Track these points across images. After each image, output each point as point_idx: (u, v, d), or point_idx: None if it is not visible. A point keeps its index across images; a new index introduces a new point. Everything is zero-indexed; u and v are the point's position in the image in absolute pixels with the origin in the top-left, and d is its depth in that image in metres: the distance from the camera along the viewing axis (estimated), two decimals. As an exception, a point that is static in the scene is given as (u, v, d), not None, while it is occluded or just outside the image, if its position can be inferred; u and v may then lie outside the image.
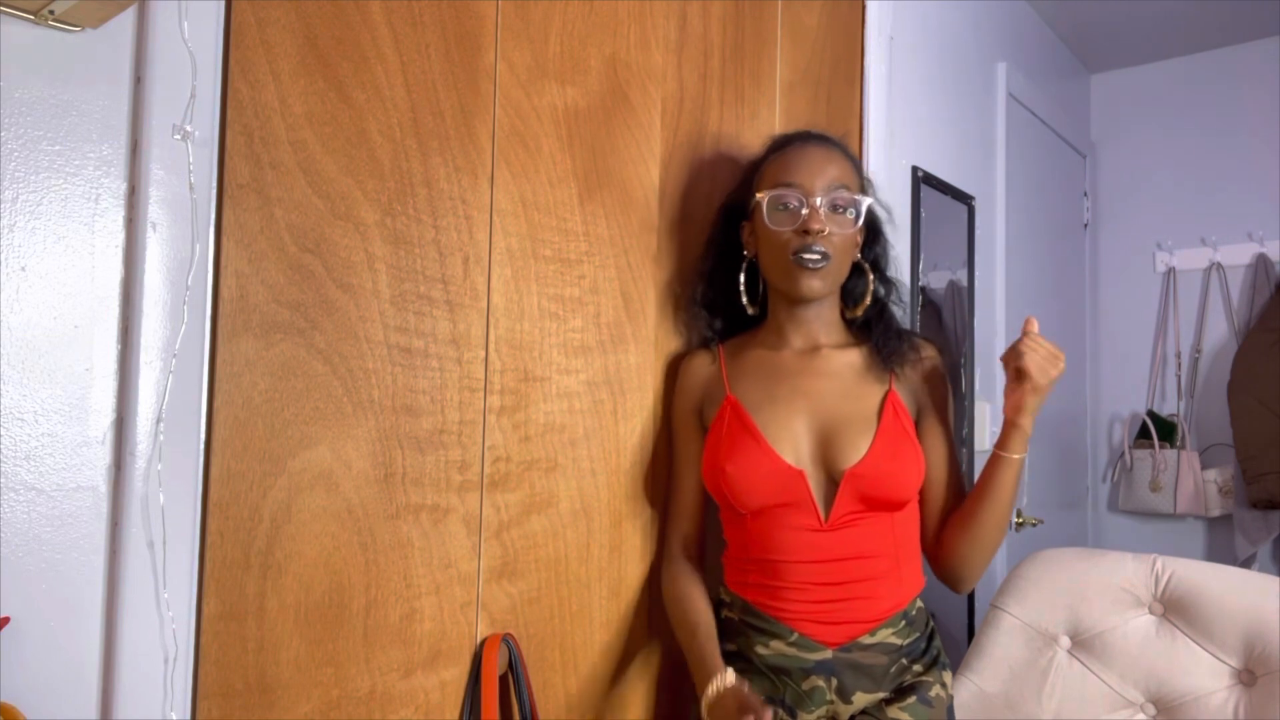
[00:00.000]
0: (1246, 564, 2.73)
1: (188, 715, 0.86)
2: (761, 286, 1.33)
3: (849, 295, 1.32)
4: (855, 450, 1.18)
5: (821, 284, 1.22)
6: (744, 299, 1.31)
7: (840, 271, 1.24)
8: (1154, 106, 3.15)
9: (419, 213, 1.06)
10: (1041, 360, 1.14)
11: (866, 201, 1.25)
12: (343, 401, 0.98)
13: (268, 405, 0.92)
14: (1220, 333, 2.97)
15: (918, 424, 1.27)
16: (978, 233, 2.34)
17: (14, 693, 0.76)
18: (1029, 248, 2.71)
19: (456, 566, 1.09)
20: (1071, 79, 3.14)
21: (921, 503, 1.28)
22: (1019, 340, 1.16)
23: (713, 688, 1.09)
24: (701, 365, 1.34)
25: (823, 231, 1.18)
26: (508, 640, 1.13)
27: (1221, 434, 2.87)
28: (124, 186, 0.84)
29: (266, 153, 0.92)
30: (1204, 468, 2.89)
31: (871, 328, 1.29)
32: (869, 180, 1.34)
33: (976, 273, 2.33)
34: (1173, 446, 2.92)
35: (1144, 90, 3.18)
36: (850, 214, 1.23)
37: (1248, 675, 1.43)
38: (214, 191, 0.88)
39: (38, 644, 0.78)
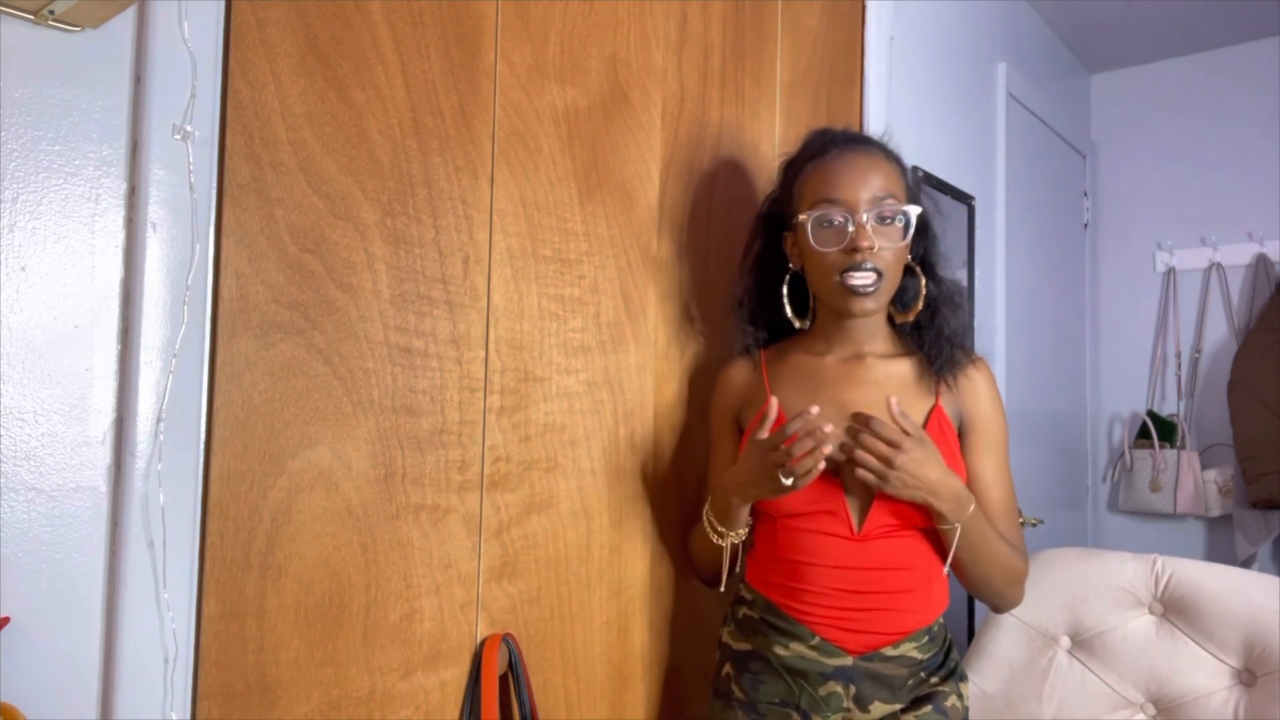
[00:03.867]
0: (1246, 564, 2.73)
1: (188, 715, 0.86)
2: (810, 294, 1.28)
3: (898, 298, 1.26)
4: None
5: (874, 304, 1.17)
6: (788, 311, 1.26)
7: (892, 285, 1.19)
8: (1154, 106, 3.15)
9: (419, 213, 1.06)
10: (881, 469, 1.08)
11: (916, 210, 1.19)
12: (343, 401, 0.98)
13: (268, 405, 0.92)
14: (1220, 333, 2.97)
15: (964, 441, 1.22)
16: (978, 233, 2.34)
17: (14, 693, 0.76)
18: (1029, 248, 2.71)
19: (456, 566, 1.09)
20: (1071, 79, 3.14)
21: None
22: (857, 441, 1.09)
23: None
24: (741, 371, 1.31)
25: (872, 248, 1.14)
26: (508, 640, 1.13)
27: (1221, 434, 2.87)
28: (124, 186, 0.84)
29: (266, 153, 0.92)
30: (1204, 468, 2.89)
31: (923, 333, 1.24)
32: (915, 173, 1.29)
33: (976, 273, 2.33)
34: (1173, 446, 2.92)
35: (1144, 90, 3.18)
36: (899, 223, 1.17)
37: (1248, 675, 1.43)
38: (214, 191, 0.88)
39: (38, 644, 0.78)
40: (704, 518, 1.24)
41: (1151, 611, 1.52)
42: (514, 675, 1.13)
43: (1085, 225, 3.18)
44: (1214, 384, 2.93)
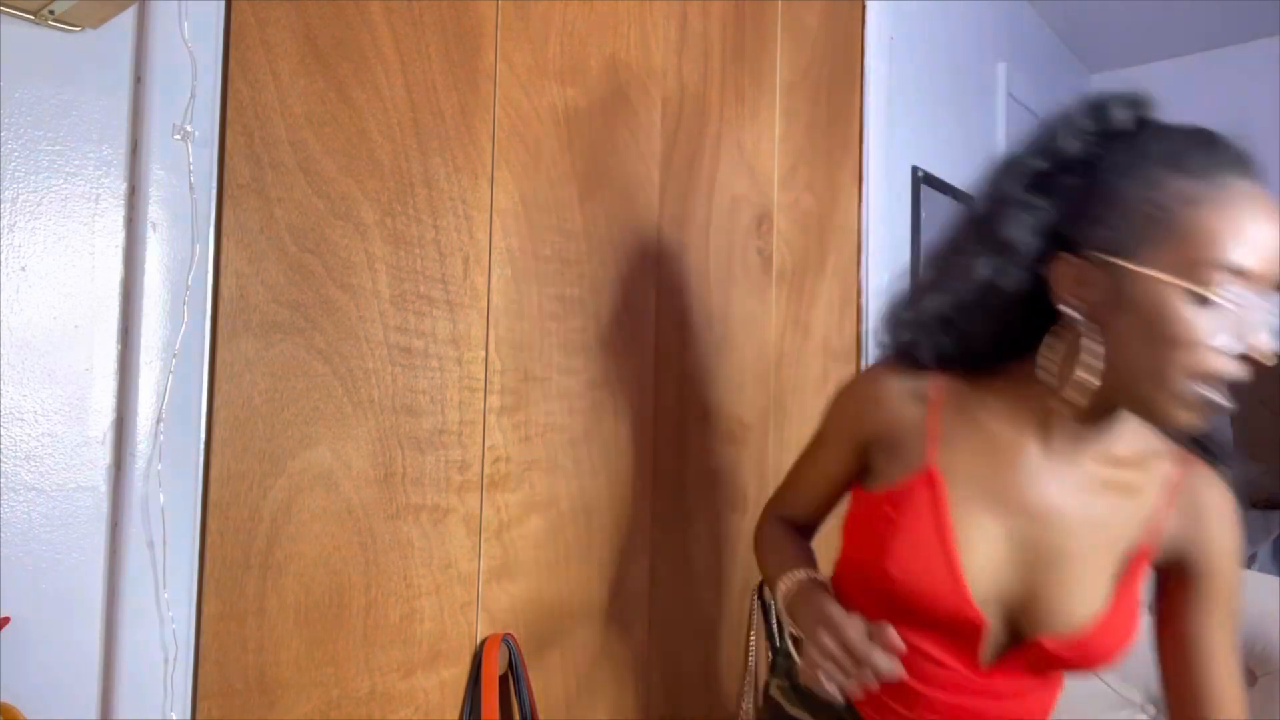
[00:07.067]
0: (1246, 564, 2.73)
1: (188, 715, 0.86)
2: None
3: None
4: (1065, 618, 0.85)
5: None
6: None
7: None
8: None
9: (419, 213, 1.06)
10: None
11: None
12: (343, 401, 0.98)
13: (268, 405, 0.92)
14: (1220, 333, 2.96)
15: (1181, 592, 0.91)
16: (978, 233, 2.34)
17: (14, 693, 0.76)
18: (1029, 248, 2.70)
19: (456, 566, 1.09)
20: (1071, 79, 3.13)
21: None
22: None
23: (790, 578, 0.92)
24: (900, 398, 0.92)
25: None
26: (508, 640, 1.13)
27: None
28: (124, 186, 0.84)
29: (266, 153, 0.92)
30: (1204, 468, 2.88)
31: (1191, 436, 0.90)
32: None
33: (976, 273, 2.33)
34: (1173, 446, 2.92)
35: (1144, 90, 3.18)
36: None
37: (1248, 675, 1.43)
38: (214, 191, 0.88)
39: (38, 644, 0.78)
40: (775, 586, 0.98)
41: (1152, 611, 1.52)
42: (514, 675, 1.13)
43: (1085, 225, 3.17)
44: (1214, 384, 2.93)
